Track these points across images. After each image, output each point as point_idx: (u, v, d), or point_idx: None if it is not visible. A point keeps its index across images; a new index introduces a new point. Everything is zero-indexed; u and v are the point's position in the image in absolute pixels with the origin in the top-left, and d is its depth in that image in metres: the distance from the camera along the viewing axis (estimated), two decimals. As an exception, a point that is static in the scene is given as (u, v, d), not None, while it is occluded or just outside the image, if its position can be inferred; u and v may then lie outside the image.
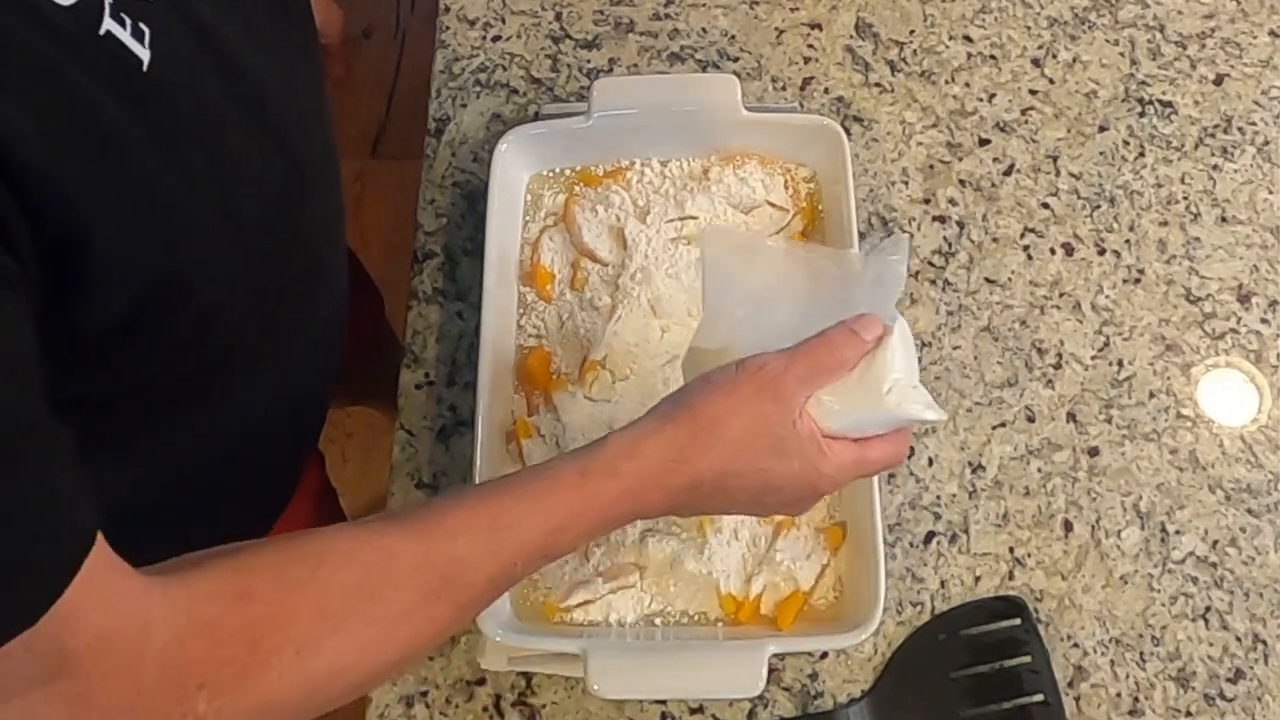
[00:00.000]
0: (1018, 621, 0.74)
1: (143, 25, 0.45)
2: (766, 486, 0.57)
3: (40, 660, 0.41)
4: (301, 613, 0.48)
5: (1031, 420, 0.80)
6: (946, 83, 0.90)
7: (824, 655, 0.74)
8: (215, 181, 0.51)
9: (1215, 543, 0.77)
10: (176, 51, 0.47)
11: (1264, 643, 0.75)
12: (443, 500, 0.57)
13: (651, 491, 0.56)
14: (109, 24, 0.44)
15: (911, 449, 0.78)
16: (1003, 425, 0.80)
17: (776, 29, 0.92)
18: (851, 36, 0.91)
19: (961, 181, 0.87)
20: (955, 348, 0.82)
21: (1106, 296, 0.83)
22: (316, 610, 0.49)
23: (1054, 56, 0.91)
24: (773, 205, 0.81)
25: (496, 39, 0.92)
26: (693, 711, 0.73)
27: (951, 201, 0.86)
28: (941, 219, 0.86)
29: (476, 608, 0.55)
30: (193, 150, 0.49)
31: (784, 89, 0.90)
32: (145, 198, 0.47)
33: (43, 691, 0.42)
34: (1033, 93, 0.90)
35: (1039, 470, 0.79)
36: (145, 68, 0.45)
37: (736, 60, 0.91)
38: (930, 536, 0.77)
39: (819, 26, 0.92)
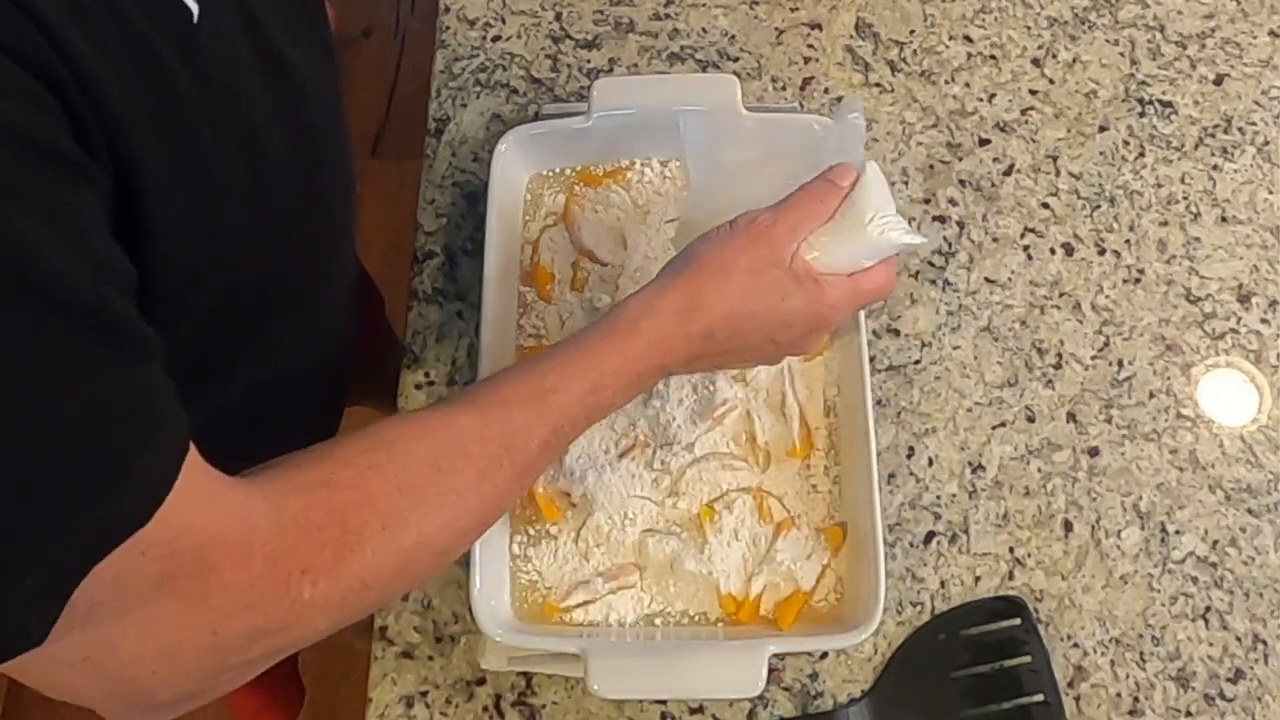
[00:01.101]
0: (1018, 621, 0.74)
1: None
2: (777, 323, 0.62)
3: (156, 562, 0.42)
4: (382, 492, 0.51)
5: (1031, 420, 0.80)
6: (946, 83, 0.90)
7: (824, 655, 0.74)
8: (244, 146, 0.51)
9: (1215, 543, 0.77)
10: (217, 10, 0.48)
11: (1264, 643, 0.75)
12: (493, 377, 0.61)
13: (672, 341, 0.61)
14: None
15: (911, 449, 0.79)
16: (1003, 425, 0.80)
17: (776, 29, 0.92)
18: (851, 36, 0.91)
19: (961, 181, 0.87)
20: (955, 348, 0.82)
21: (1106, 296, 0.83)
22: (396, 487, 0.52)
23: (1054, 56, 0.91)
24: (773, 205, 0.81)
25: (496, 39, 0.92)
26: (693, 711, 0.73)
27: (951, 201, 0.86)
28: (941, 219, 0.86)
29: (534, 473, 0.60)
30: (228, 110, 0.49)
31: (784, 89, 0.90)
32: (194, 150, 0.47)
33: (161, 592, 0.43)
34: (1033, 93, 0.90)
35: (1039, 470, 0.79)
36: (195, 19, 0.46)
37: (736, 60, 0.91)
38: (930, 536, 0.77)
39: (819, 26, 0.92)
